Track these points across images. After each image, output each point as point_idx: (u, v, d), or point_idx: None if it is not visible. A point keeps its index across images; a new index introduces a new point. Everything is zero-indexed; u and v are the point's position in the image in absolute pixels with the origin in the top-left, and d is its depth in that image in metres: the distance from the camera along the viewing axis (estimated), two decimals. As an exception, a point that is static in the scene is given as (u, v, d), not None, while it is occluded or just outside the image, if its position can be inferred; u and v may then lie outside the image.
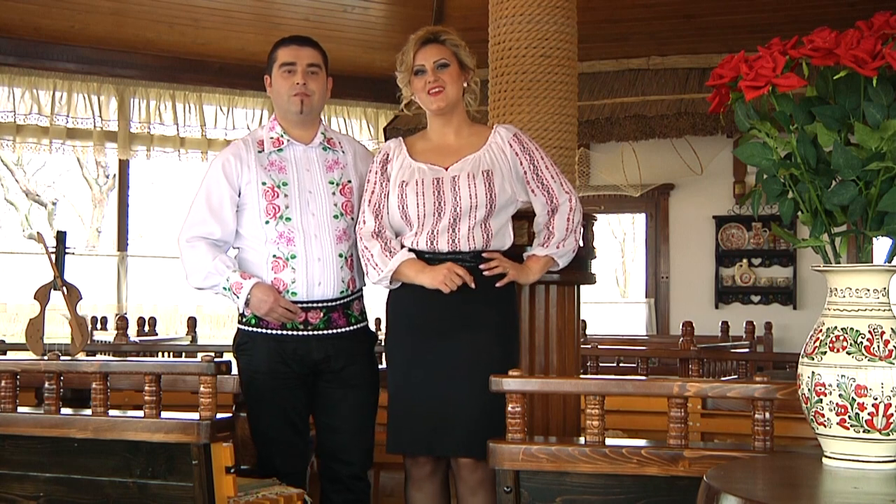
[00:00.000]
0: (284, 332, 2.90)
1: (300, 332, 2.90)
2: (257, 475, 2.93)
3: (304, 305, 2.90)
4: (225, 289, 2.90)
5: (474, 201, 2.75)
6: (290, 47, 2.99)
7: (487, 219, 2.77)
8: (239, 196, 2.94)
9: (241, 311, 2.96)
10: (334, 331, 2.92)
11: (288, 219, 2.90)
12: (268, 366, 2.90)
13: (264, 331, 2.91)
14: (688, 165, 7.72)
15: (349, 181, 3.00)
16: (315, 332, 2.91)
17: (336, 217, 2.94)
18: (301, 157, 2.98)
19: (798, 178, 1.82)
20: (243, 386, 2.96)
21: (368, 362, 3.00)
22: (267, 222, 2.91)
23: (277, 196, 2.91)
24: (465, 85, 2.87)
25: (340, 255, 2.93)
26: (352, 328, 2.96)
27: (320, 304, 2.91)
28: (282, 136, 2.98)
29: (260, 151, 2.96)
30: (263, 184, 2.91)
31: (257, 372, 2.92)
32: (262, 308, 2.86)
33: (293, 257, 2.89)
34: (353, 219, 2.95)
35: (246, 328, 2.95)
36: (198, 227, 2.94)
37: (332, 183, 2.97)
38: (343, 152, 3.04)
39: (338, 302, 2.93)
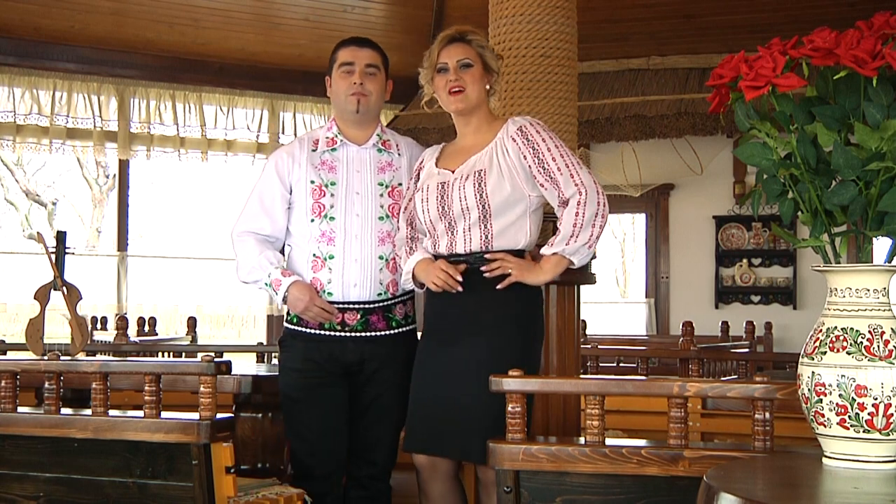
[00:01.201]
0: (321, 332, 2.91)
1: (337, 333, 2.91)
2: (287, 475, 2.93)
3: (341, 306, 2.91)
4: (266, 284, 2.94)
5: (463, 203, 2.73)
6: (350, 48, 3.00)
7: (486, 219, 2.73)
8: (290, 193, 2.98)
9: (287, 310, 2.99)
10: (372, 333, 2.92)
11: (332, 218, 2.92)
12: (301, 363, 2.93)
13: (303, 329, 2.94)
14: (688, 165, 7.71)
15: (400, 184, 3.00)
16: (352, 334, 2.91)
17: (381, 219, 2.95)
18: (353, 158, 3.00)
19: (798, 178, 1.82)
20: (279, 382, 2.99)
21: (404, 366, 2.92)
22: (312, 221, 2.94)
23: (324, 195, 2.93)
24: (489, 87, 2.84)
25: (381, 258, 2.93)
26: (392, 332, 2.95)
27: (357, 306, 2.91)
28: (336, 135, 3.01)
29: (314, 150, 3.00)
30: (312, 182, 2.95)
31: (291, 369, 2.95)
32: (297, 306, 2.88)
33: (331, 257, 2.91)
34: None
35: (288, 326, 2.99)
36: (249, 222, 3.00)
37: (382, 185, 2.98)
38: (399, 155, 3.05)
39: (376, 304, 2.93)
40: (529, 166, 2.74)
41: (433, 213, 2.79)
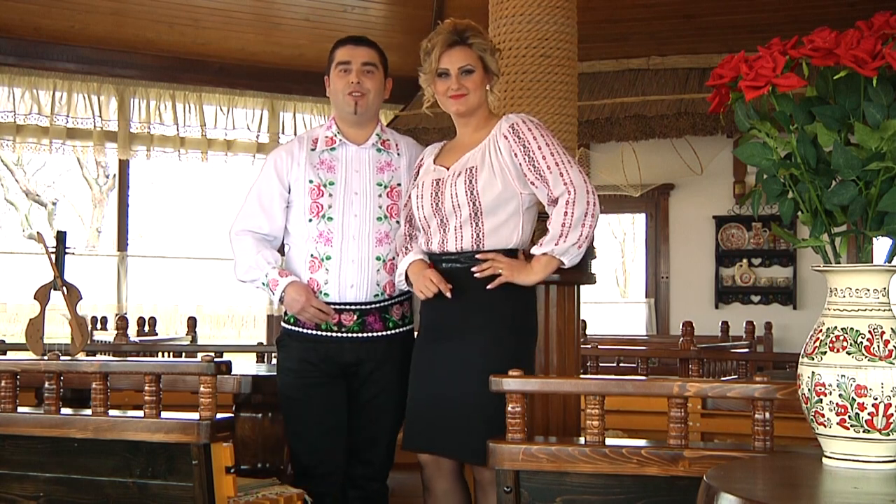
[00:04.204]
0: (318, 333, 2.91)
1: (333, 334, 2.91)
2: (287, 475, 2.93)
3: (338, 307, 2.90)
4: (263, 284, 2.94)
5: (455, 200, 2.71)
6: (347, 47, 3.00)
7: (477, 217, 2.70)
8: (289, 193, 2.97)
9: (284, 310, 2.99)
10: (368, 334, 2.92)
11: (330, 218, 2.92)
12: (298, 364, 2.93)
13: (300, 330, 2.93)
14: (688, 165, 7.71)
15: (398, 184, 2.99)
16: (348, 335, 2.91)
17: (379, 219, 2.94)
18: (353, 158, 2.99)
19: (798, 178, 1.82)
20: (278, 382, 2.99)
21: (400, 366, 2.91)
22: (310, 220, 2.93)
23: (322, 195, 2.93)
24: (488, 87, 2.82)
25: (378, 259, 2.92)
26: (388, 332, 2.94)
27: (354, 307, 2.91)
28: (335, 135, 3.00)
29: (312, 149, 2.99)
30: (310, 182, 2.94)
31: (289, 370, 2.95)
32: (293, 307, 2.88)
33: (328, 258, 2.91)
34: (398, 222, 2.95)
35: (286, 326, 2.99)
36: (247, 220, 2.99)
37: (381, 185, 2.97)
38: (398, 154, 3.04)
39: (373, 305, 2.92)
40: (520, 164, 2.71)
41: (427, 210, 2.78)
